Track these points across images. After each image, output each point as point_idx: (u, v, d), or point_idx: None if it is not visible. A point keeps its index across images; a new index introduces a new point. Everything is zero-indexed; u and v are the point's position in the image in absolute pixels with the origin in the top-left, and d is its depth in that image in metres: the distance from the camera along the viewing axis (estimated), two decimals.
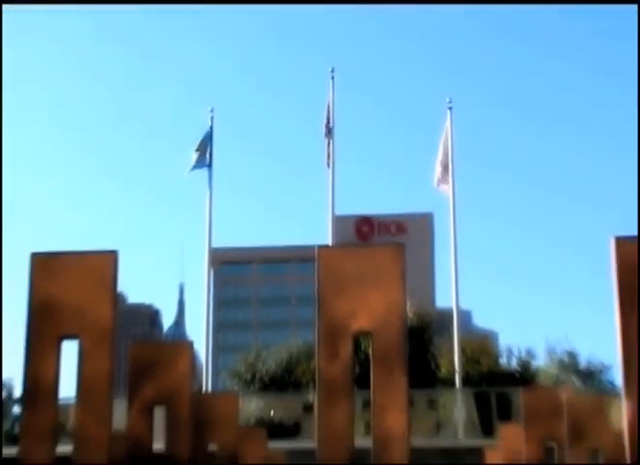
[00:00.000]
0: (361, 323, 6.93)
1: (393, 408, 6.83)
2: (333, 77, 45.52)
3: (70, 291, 7.08)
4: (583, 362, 45.32)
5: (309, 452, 7.27)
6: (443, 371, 43.10)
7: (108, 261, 7.20)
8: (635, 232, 7.04)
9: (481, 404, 37.97)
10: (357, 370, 7.15)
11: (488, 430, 33.23)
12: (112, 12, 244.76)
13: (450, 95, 44.99)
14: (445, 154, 43.15)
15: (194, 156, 43.54)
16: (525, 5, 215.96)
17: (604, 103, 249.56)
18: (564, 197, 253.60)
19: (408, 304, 7.50)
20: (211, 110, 44.81)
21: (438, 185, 43.69)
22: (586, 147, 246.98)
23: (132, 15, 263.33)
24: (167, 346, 11.20)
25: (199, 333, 44.83)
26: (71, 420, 7.20)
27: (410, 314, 36.35)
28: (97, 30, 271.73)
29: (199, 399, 12.52)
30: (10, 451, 9.19)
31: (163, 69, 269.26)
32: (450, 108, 44.00)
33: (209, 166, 43.77)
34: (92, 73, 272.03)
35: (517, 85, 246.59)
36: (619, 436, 7.14)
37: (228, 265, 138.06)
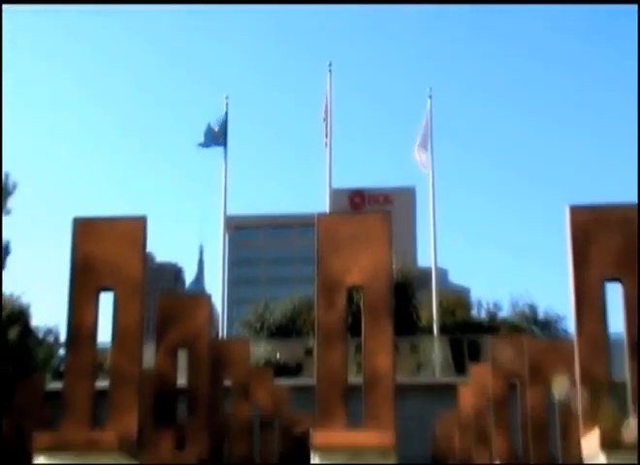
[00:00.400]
0: (353, 278, 6.95)
1: (381, 351, 6.86)
2: (330, 70, 45.32)
3: (106, 250, 7.10)
4: (541, 314, 45.36)
5: (309, 388, 7.32)
6: (423, 321, 43.10)
7: (138, 225, 7.21)
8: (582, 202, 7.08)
9: (455, 349, 38.05)
10: (350, 320, 7.16)
11: (461, 370, 33.35)
12: (138, 12, 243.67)
13: (431, 85, 44.87)
14: (424, 136, 43.07)
15: (206, 134, 43.28)
16: (521, 5, 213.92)
17: (574, 95, 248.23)
18: (527, 173, 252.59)
19: (394, 263, 7.51)
20: (226, 97, 44.62)
21: (417, 161, 43.68)
22: (547, 131, 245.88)
23: (159, 16, 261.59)
24: (189, 298, 11.25)
25: (216, 288, 44.56)
26: (107, 361, 7.21)
27: (395, 271, 36.34)
28: (125, 29, 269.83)
29: (216, 344, 12.58)
30: (56, 386, 9.23)
31: (186, 62, 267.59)
32: (430, 97, 43.83)
33: (225, 144, 43.62)
34: (125, 66, 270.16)
35: (494, 79, 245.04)
36: (571, 375, 7.19)
37: (241, 230, 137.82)
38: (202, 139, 43.60)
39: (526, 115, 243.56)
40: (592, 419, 6.61)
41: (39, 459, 6.57)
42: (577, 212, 7.07)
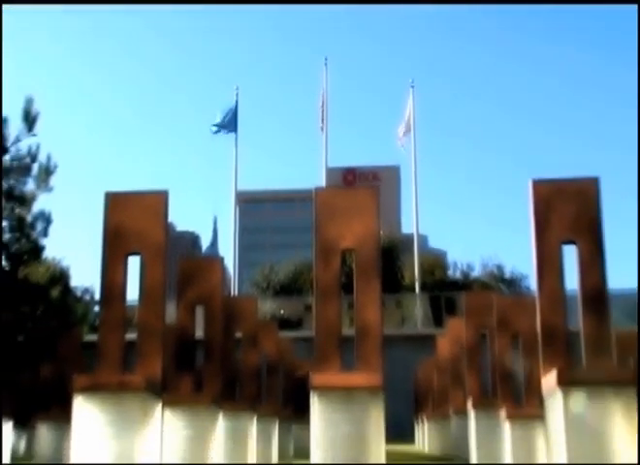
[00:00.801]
0: (347, 243, 6.95)
1: (370, 306, 6.87)
2: (326, 64, 45.15)
3: (133, 220, 7.08)
4: (508, 273, 45.52)
5: (309, 339, 7.33)
6: (406, 280, 43.26)
7: (161, 198, 7.19)
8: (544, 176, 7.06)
9: (434, 304, 38.20)
10: (343, 279, 7.15)
11: (439, 322, 33.51)
12: (161, 12, 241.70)
13: (413, 77, 44.83)
14: (407, 120, 43.00)
15: (218, 120, 43.16)
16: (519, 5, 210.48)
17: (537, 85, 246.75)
18: (497, 152, 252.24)
19: (381, 230, 7.50)
20: (237, 89, 44.44)
21: (400, 142, 43.72)
22: (515, 115, 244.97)
23: (179, 17, 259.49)
24: (205, 261, 11.23)
25: (228, 253, 44.77)
26: (135, 316, 7.22)
27: (382, 237, 36.36)
28: (153, 32, 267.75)
29: (228, 301, 12.59)
30: (92, 338, 9.27)
31: (201, 58, 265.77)
32: (412, 87, 43.68)
33: (235, 130, 43.53)
34: (152, 63, 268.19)
35: (469, 71, 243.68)
36: (533, 325, 7.20)
37: (249, 203, 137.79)
38: (215, 126, 43.55)
39: (496, 102, 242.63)
40: (550, 362, 6.66)
41: (77, 398, 6.60)
42: (539, 185, 7.07)
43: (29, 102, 21.00)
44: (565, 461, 6.09)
